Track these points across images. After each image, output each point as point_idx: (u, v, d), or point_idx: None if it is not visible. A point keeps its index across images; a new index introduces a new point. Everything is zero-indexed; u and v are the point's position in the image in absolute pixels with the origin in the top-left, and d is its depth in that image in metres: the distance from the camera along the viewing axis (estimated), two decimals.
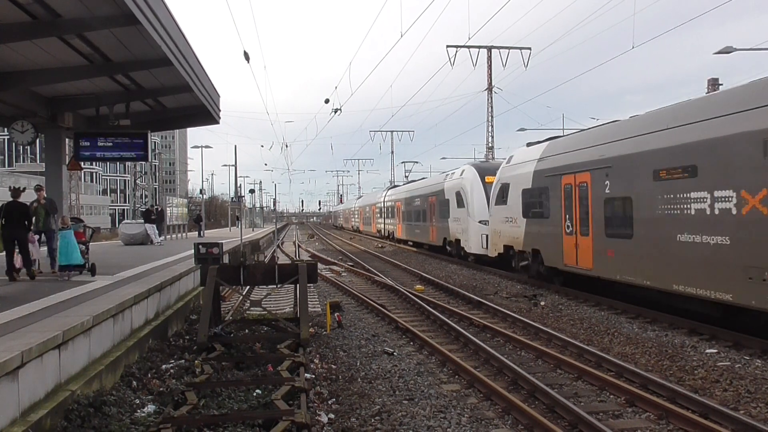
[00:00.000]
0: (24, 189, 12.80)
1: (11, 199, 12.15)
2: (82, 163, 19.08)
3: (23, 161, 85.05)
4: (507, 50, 37.57)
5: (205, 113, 19.18)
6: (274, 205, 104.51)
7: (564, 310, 14.78)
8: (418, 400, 8.17)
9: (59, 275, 12.28)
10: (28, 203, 12.51)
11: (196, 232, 41.94)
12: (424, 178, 41.87)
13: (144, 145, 17.02)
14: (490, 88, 39.63)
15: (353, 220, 76.42)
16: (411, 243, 39.42)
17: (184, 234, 36.35)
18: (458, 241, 27.44)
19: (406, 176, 44.77)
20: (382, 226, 50.79)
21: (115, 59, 13.32)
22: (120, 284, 11.49)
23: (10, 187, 13.47)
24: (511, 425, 7.30)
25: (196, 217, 47.98)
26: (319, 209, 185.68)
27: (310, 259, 26.29)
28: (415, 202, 36.88)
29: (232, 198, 56.28)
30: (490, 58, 38.58)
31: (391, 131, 72.78)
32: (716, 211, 10.91)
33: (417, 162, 49.79)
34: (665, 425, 7.13)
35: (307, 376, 8.78)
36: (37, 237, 12.85)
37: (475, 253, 25.26)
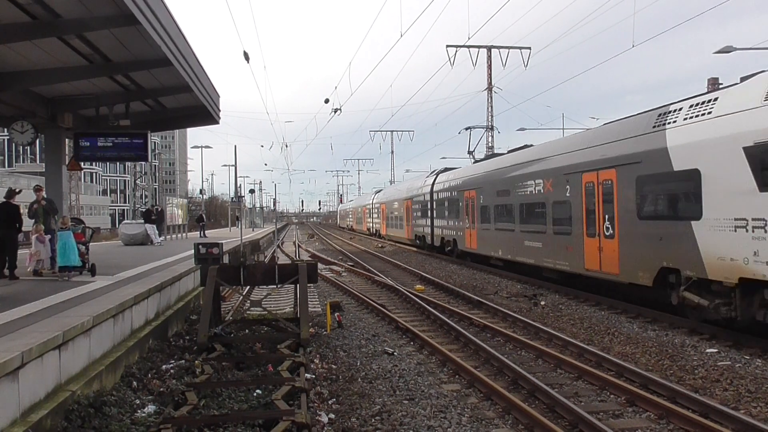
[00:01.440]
0: (20, 191, 12.86)
1: (4, 199, 12.22)
2: (82, 163, 19.07)
3: (23, 161, 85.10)
4: (507, 50, 37.61)
5: (205, 113, 19.16)
6: (274, 205, 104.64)
7: (564, 310, 14.77)
8: (419, 400, 8.17)
9: (59, 276, 12.28)
10: (19, 204, 12.54)
11: (198, 233, 41.69)
12: (527, 146, 22.05)
13: (144, 145, 17.01)
14: (490, 88, 39.65)
15: (370, 220, 60.16)
16: (523, 266, 20.14)
17: (184, 234, 36.34)
18: None
19: (470, 154, 28.35)
20: (427, 229, 32.91)
21: (115, 59, 13.31)
22: (120, 284, 11.48)
23: (9, 188, 13.52)
24: (511, 425, 7.30)
25: (198, 217, 47.50)
26: (319, 209, 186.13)
27: (310, 259, 26.30)
28: (554, 187, 17.29)
29: (232, 198, 56.22)
30: (489, 57, 38.62)
31: (391, 131, 73.04)
32: None
33: (496, 132, 33.74)
34: (665, 425, 7.12)
35: (308, 376, 8.77)
36: (48, 237, 12.89)
37: None
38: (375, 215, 56.36)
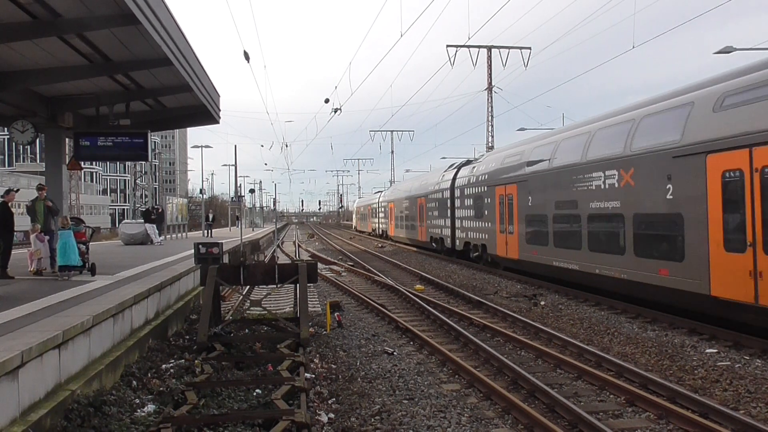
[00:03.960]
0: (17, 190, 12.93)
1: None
2: (82, 163, 19.07)
3: (23, 161, 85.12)
4: (507, 50, 37.57)
5: (205, 113, 19.16)
6: (274, 204, 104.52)
7: (564, 310, 14.77)
8: (418, 399, 8.17)
9: (59, 275, 12.29)
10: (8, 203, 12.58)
11: (202, 232, 41.16)
12: None
13: (144, 145, 17.00)
14: (490, 88, 39.62)
15: (441, 222, 30.41)
16: None
17: (184, 234, 36.35)
18: None
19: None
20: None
21: (115, 59, 13.31)
22: (120, 284, 11.48)
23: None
24: (511, 425, 7.30)
25: (206, 216, 46.67)
26: (319, 209, 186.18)
27: (310, 258, 26.29)
28: None
29: (232, 198, 56.10)
30: (490, 57, 38.58)
31: (391, 131, 72.96)
32: None
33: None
34: (665, 425, 7.13)
35: (307, 375, 8.78)
36: (47, 237, 12.90)
37: None
38: (462, 212, 26.86)
